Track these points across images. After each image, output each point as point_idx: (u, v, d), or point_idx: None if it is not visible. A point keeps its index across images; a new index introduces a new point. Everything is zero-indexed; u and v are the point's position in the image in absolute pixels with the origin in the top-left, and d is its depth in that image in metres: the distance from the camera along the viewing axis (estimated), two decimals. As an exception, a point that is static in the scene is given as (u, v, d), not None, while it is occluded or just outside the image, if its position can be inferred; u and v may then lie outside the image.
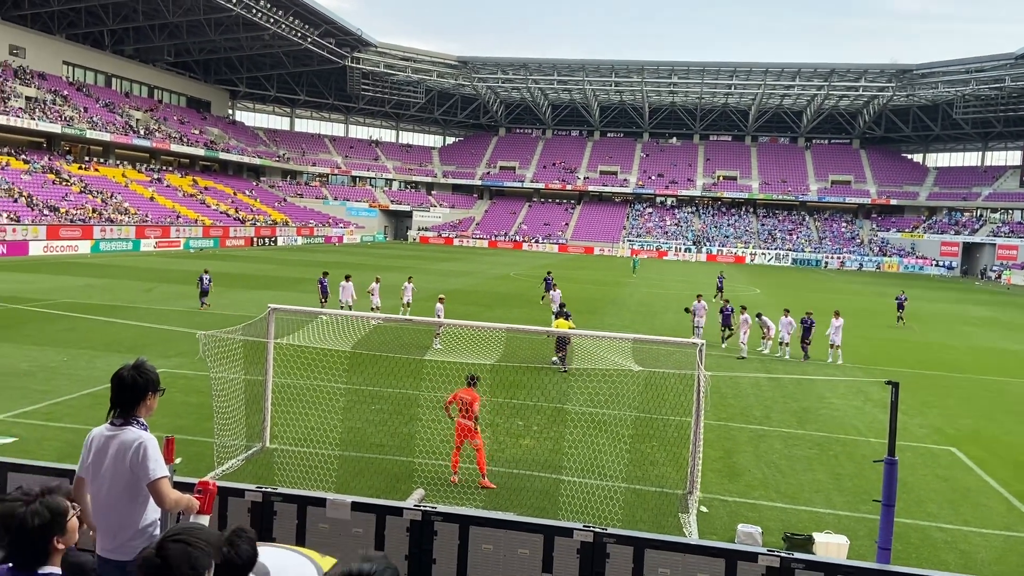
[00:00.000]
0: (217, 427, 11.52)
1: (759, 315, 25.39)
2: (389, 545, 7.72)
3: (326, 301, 27.38)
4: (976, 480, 13.21)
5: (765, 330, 25.03)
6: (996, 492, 12.62)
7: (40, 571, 3.07)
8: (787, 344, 24.66)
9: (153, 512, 4.52)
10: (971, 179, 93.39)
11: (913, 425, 16.44)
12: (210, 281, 28.36)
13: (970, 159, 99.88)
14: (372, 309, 26.23)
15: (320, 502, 7.88)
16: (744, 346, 24.37)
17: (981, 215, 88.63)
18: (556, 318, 22.39)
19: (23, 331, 21.38)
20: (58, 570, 3.13)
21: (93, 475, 4.52)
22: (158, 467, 4.41)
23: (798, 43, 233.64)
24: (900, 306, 34.22)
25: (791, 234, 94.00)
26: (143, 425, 4.57)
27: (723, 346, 25.59)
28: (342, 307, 25.94)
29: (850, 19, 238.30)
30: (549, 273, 37.46)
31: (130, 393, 4.53)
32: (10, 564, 3.09)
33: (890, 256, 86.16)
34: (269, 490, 8.08)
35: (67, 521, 3.18)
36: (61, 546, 3.15)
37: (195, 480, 6.06)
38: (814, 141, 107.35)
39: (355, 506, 7.82)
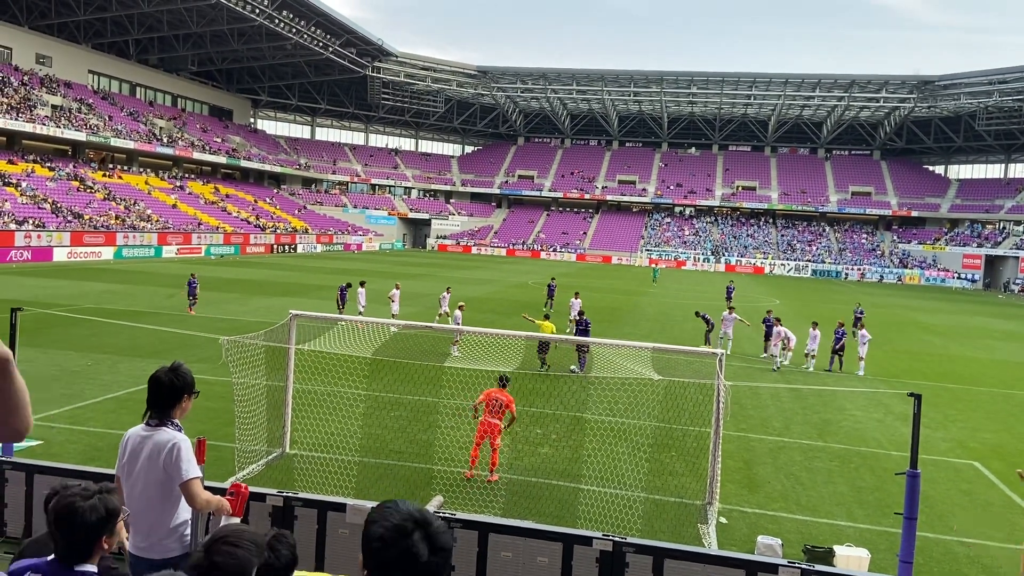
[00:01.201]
0: (239, 432, 11.62)
1: (779, 323, 25.33)
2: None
3: (343, 309, 27.81)
4: (999, 495, 13.06)
5: (785, 341, 24.90)
6: (1019, 507, 12.47)
7: (78, 568, 3.13)
8: (813, 356, 24.49)
9: (185, 512, 4.61)
10: (994, 191, 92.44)
11: (935, 438, 16.28)
12: (196, 284, 28.56)
13: (992, 171, 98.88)
14: (391, 316, 26.39)
15: (340, 507, 7.93)
16: (776, 357, 24.31)
17: (1004, 227, 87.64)
18: (546, 319, 23.13)
19: (48, 336, 21.67)
20: (95, 569, 3.19)
21: (127, 474, 4.61)
22: (191, 468, 4.50)
23: (818, 54, 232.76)
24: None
25: (811, 245, 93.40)
26: (177, 427, 4.66)
27: (763, 356, 25.49)
28: (359, 313, 26.20)
29: (871, 30, 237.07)
30: (553, 279, 37.69)
31: (166, 395, 4.63)
32: (51, 557, 3.15)
33: (911, 268, 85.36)
34: (290, 495, 8.16)
35: (118, 522, 3.25)
36: (106, 546, 3.21)
37: (220, 484, 6.13)
38: (834, 152, 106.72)
39: (375, 512, 7.86)
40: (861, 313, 33.92)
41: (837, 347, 24.60)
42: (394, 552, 2.11)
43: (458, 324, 23.34)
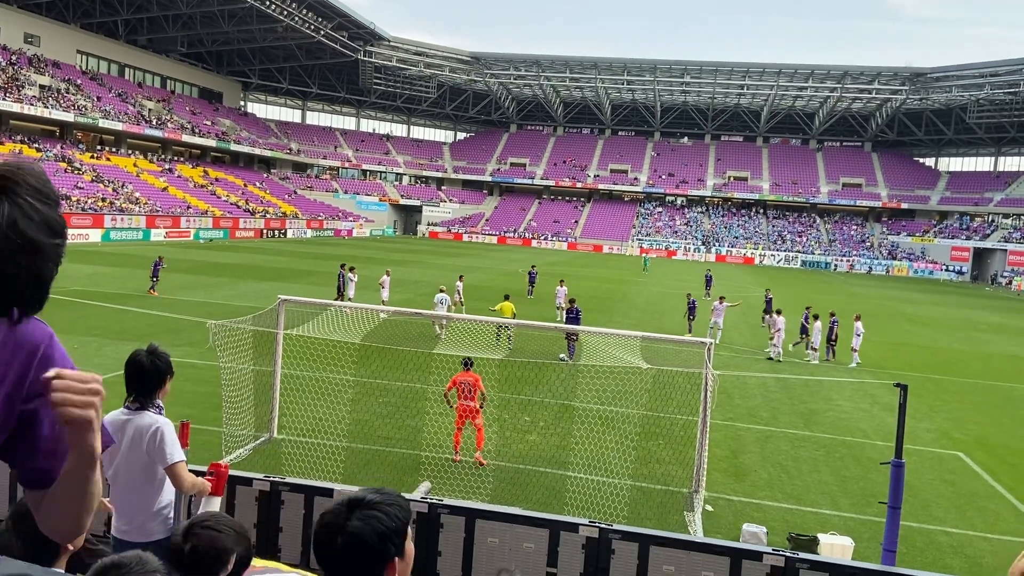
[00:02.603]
0: (226, 416, 11.59)
1: (776, 313, 25.56)
2: (395, 536, 7.75)
3: (341, 296, 27.65)
4: (983, 485, 13.18)
5: (774, 331, 25.03)
6: (1003, 497, 12.59)
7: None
8: (816, 348, 24.63)
9: (168, 495, 4.59)
10: (983, 184, 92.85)
11: (920, 429, 16.40)
12: (160, 267, 28.48)
13: (983, 164, 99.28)
14: (381, 302, 26.33)
15: (327, 492, 7.91)
16: (779, 347, 24.41)
17: (993, 220, 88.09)
18: (506, 299, 23.77)
19: (57, 320, 21.48)
20: (62, 571, 3.03)
21: (109, 458, 4.58)
22: (175, 451, 4.48)
23: (810, 45, 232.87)
24: (768, 303, 33.07)
25: (801, 236, 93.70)
26: (159, 408, 4.63)
27: (829, 359, 24.99)
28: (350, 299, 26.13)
29: (863, 22, 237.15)
30: (533, 267, 37.85)
31: (148, 378, 4.59)
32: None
33: (900, 260, 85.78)
34: (277, 479, 8.13)
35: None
36: (71, 547, 3.05)
37: (205, 467, 6.10)
38: (826, 143, 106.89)
39: (362, 497, 7.85)
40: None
41: (831, 336, 24.78)
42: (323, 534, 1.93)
43: (459, 295, 26.83)
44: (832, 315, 25.46)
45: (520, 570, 7.51)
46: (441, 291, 24.60)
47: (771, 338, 25.02)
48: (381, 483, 10.43)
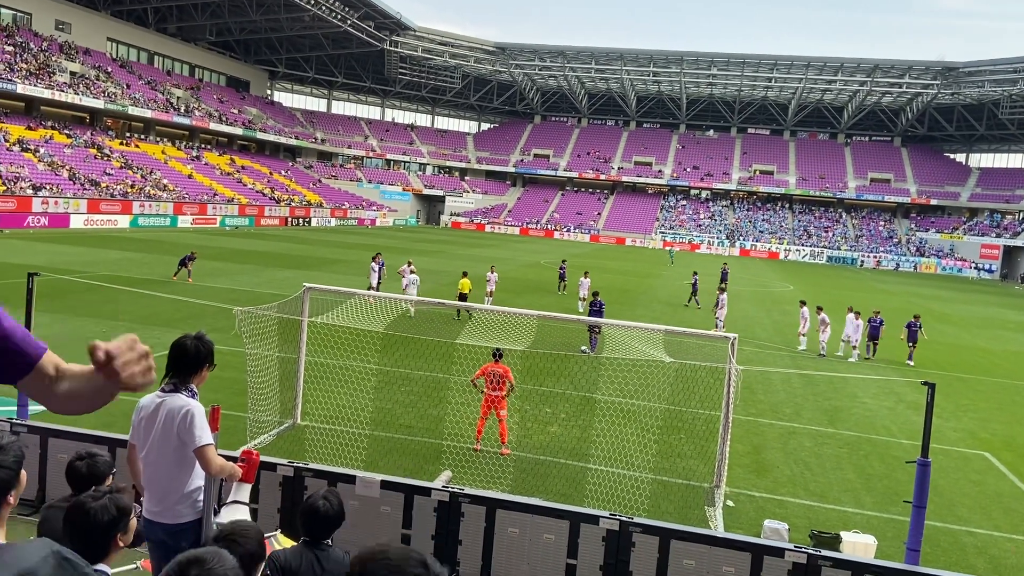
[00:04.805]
0: (251, 402, 11.71)
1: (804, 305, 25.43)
2: (416, 524, 7.81)
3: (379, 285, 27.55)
4: (1009, 486, 13.01)
5: (802, 323, 24.95)
6: (1030, 499, 12.42)
7: (95, 568, 3.10)
8: (855, 346, 24.32)
9: (198, 478, 4.66)
10: (1015, 181, 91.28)
11: (947, 428, 16.21)
12: (190, 259, 28.65)
13: (1015, 160, 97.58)
14: (402, 291, 26.40)
15: (350, 479, 7.99)
16: (824, 345, 24.26)
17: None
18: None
19: (63, 302, 21.84)
20: (109, 571, 3.18)
21: (142, 440, 4.66)
22: (204, 434, 4.54)
23: (841, 38, 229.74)
24: (694, 287, 34.71)
25: (827, 231, 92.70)
26: (192, 393, 4.70)
27: (869, 357, 24.52)
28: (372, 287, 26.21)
29: (896, 15, 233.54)
30: (564, 262, 37.73)
31: (190, 362, 4.68)
32: None
33: (928, 257, 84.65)
34: (301, 465, 8.22)
35: (130, 520, 3.27)
36: (121, 543, 3.21)
37: (232, 452, 6.17)
38: (854, 138, 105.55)
39: (385, 484, 7.92)
40: (726, 272, 38.15)
41: (876, 338, 24.37)
42: None
43: (491, 287, 28.49)
44: (876, 314, 25.03)
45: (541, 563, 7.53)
46: (412, 272, 25.36)
47: (802, 333, 24.81)
48: (403, 471, 10.50)
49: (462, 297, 24.70)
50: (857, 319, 24.26)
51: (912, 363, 23.85)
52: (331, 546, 4.29)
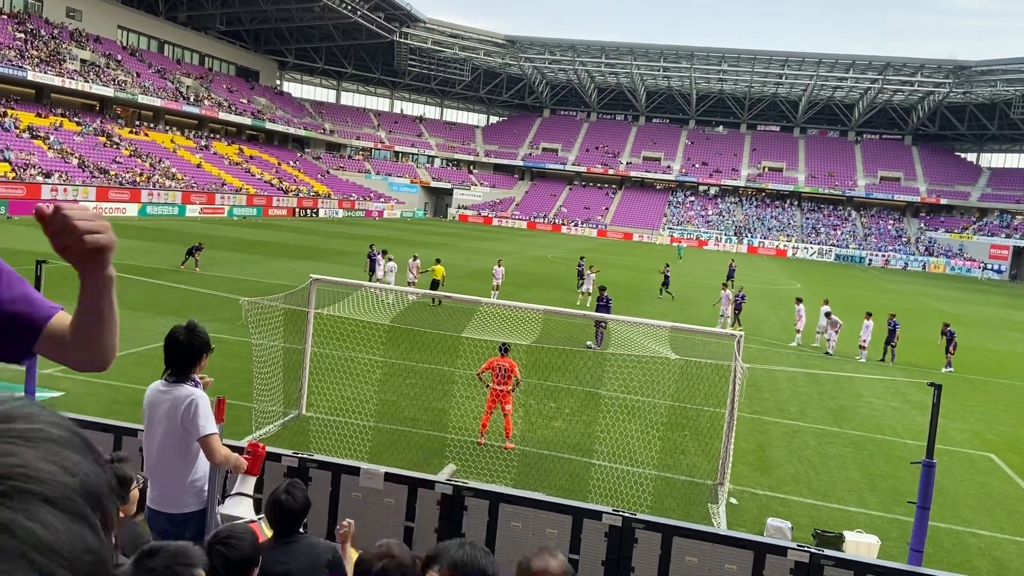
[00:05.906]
0: (256, 392, 11.74)
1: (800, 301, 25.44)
2: (420, 517, 7.83)
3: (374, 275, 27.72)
4: (1014, 488, 12.97)
5: (797, 320, 24.99)
6: (1035, 502, 12.37)
7: None
8: (864, 348, 24.08)
9: (202, 468, 4.68)
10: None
11: (952, 429, 16.16)
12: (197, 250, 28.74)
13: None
14: (408, 285, 26.46)
15: (354, 471, 8.00)
16: (832, 343, 24.17)
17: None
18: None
19: (71, 289, 21.72)
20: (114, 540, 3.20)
21: (147, 430, 4.68)
22: (208, 424, 4.56)
23: (853, 36, 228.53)
24: (666, 279, 35.01)
25: (835, 229, 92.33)
26: (196, 383, 4.71)
27: (883, 360, 24.10)
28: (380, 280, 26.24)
29: (908, 14, 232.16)
30: (582, 259, 37.46)
31: (185, 354, 4.68)
32: None
33: (937, 256, 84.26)
34: (305, 456, 8.23)
35: (130, 491, 3.28)
36: (121, 514, 3.23)
37: (237, 442, 6.19)
38: (864, 136, 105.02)
39: (388, 477, 7.93)
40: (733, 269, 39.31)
41: (892, 341, 23.95)
42: None
43: (497, 280, 28.06)
44: (892, 316, 24.75)
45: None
46: (390, 259, 25.89)
47: (804, 331, 24.78)
48: (406, 464, 10.52)
49: (434, 284, 25.04)
50: (868, 319, 24.08)
51: (952, 369, 23.21)
52: (303, 534, 4.19)
